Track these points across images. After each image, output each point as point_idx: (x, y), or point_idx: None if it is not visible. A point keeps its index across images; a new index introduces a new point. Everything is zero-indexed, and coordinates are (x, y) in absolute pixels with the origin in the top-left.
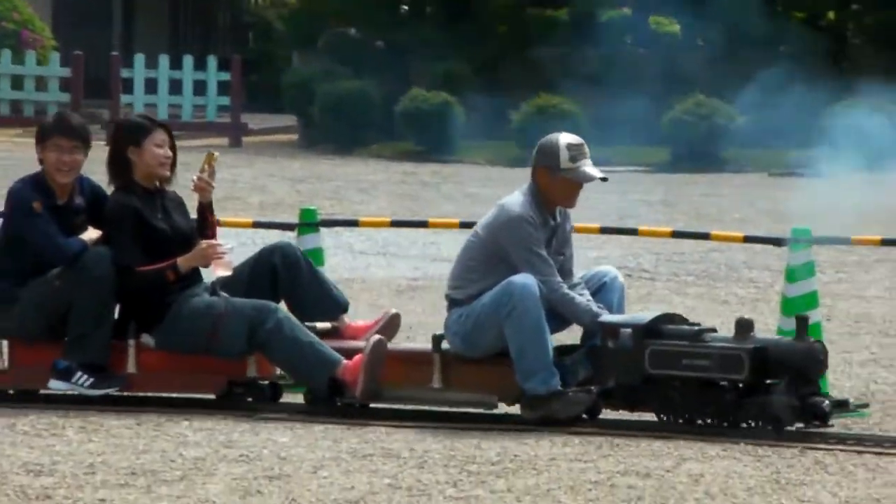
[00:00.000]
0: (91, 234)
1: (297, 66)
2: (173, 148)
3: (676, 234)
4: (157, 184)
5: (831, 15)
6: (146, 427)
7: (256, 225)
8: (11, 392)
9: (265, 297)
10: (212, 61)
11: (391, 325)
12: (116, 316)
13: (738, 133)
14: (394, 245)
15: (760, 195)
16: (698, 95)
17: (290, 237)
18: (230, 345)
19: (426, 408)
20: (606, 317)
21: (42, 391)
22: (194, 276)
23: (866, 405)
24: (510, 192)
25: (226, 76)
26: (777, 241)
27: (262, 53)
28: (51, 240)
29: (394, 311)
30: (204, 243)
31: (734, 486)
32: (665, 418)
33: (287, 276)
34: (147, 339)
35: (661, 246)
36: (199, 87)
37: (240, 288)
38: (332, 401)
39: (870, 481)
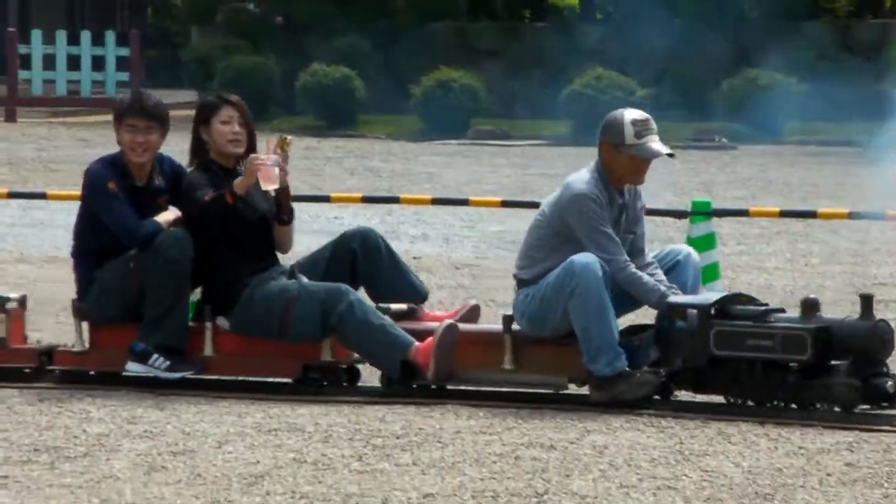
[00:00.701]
0: (168, 215)
1: (196, 41)
2: (247, 125)
3: None
4: (237, 162)
5: None
6: (49, 403)
7: None
8: (92, 373)
9: (343, 282)
10: (110, 36)
11: (471, 315)
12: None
13: (637, 106)
14: (297, 220)
15: (663, 168)
16: (598, 69)
17: None
18: (302, 328)
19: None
20: (674, 297)
21: (123, 373)
22: (271, 259)
23: None
24: (411, 165)
25: (125, 52)
26: (678, 214)
27: (161, 28)
28: (123, 220)
29: (474, 301)
30: (251, 156)
31: (638, 458)
32: (732, 400)
33: (366, 261)
34: (223, 322)
35: None
36: (98, 63)
37: (318, 272)
38: (406, 383)
39: (772, 451)
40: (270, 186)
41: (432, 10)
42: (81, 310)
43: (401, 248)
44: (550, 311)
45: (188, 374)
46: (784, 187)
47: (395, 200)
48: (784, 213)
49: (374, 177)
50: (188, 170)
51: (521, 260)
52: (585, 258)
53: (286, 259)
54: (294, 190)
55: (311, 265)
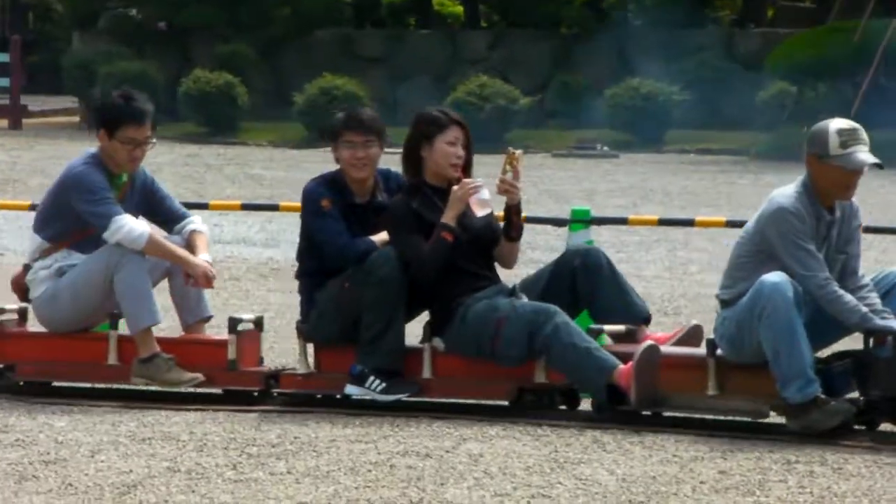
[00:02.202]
0: (385, 234)
1: (78, 46)
2: (468, 147)
3: None
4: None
5: None
6: None
7: (33, 208)
8: (319, 396)
9: (563, 301)
10: None
11: (693, 336)
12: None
13: (520, 114)
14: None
15: (543, 175)
16: (482, 77)
17: None
18: (510, 350)
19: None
20: (877, 321)
21: (338, 396)
22: (489, 277)
23: None
24: (293, 172)
25: (5, 57)
26: (557, 222)
27: (42, 34)
28: (335, 239)
29: (695, 322)
30: (455, 187)
31: (513, 465)
32: None
33: (587, 281)
34: (438, 343)
35: None
36: None
37: (538, 291)
38: (611, 408)
39: (646, 458)
40: (483, 212)
41: (317, 18)
42: (303, 331)
43: (281, 255)
44: (747, 333)
45: (404, 397)
46: (664, 195)
47: (274, 208)
48: (663, 222)
49: (256, 184)
50: (394, 198)
51: (724, 279)
52: (775, 277)
53: (506, 277)
54: (176, 197)
55: (533, 283)
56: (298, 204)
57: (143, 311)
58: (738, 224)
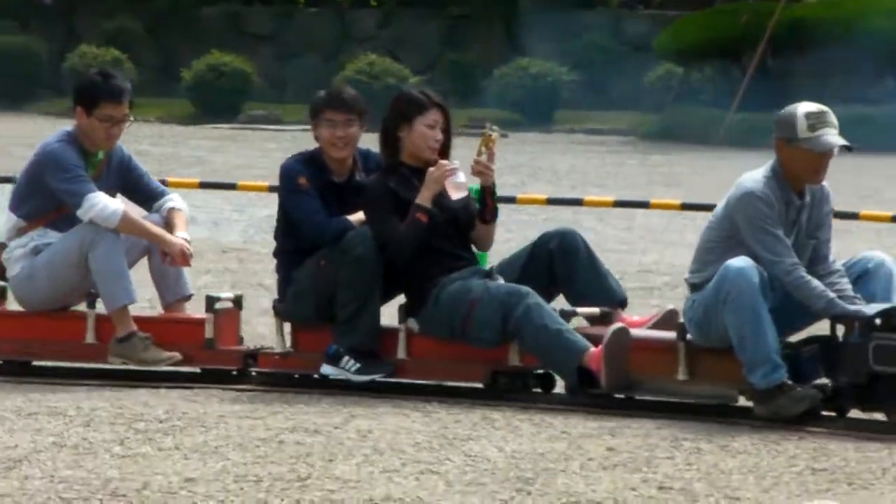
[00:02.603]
0: (362, 214)
1: None
2: (447, 130)
3: None
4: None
5: None
6: None
7: None
8: (297, 376)
9: (540, 283)
10: None
11: (668, 320)
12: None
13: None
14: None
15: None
16: (371, 55)
17: None
18: (482, 332)
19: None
20: (842, 307)
21: (315, 376)
22: (465, 258)
23: None
24: (181, 149)
25: None
26: None
27: None
28: (310, 217)
29: (671, 306)
30: (431, 169)
31: (402, 442)
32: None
33: (564, 263)
34: (413, 323)
35: None
36: None
37: (515, 273)
38: (582, 391)
39: (535, 435)
40: (458, 195)
41: None
42: (280, 310)
43: None
44: (713, 318)
45: (378, 377)
46: (553, 175)
47: (162, 184)
48: (551, 201)
49: (144, 160)
50: (371, 177)
51: (692, 263)
52: (740, 262)
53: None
54: None
55: (510, 265)
56: (186, 179)
57: (119, 289)
58: (625, 204)
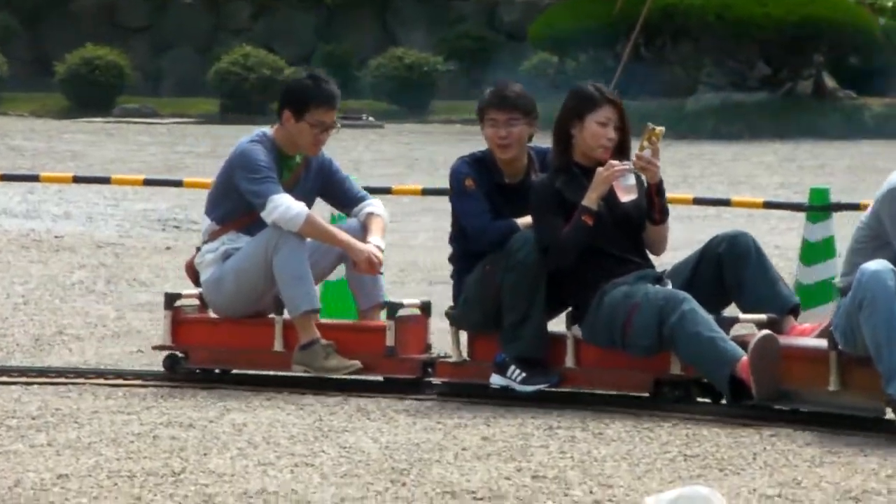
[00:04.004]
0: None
1: None
2: (622, 128)
3: None
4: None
5: None
6: None
7: None
8: (471, 385)
9: (708, 288)
10: None
11: None
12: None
13: (285, 84)
14: None
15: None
16: (246, 47)
17: None
18: (640, 339)
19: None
20: None
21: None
22: (635, 262)
23: None
24: (55, 143)
25: None
26: None
27: None
28: (474, 220)
29: None
30: (599, 169)
31: (277, 435)
32: None
33: (732, 268)
34: (576, 330)
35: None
36: None
37: (683, 278)
38: (737, 400)
39: (410, 426)
40: (627, 198)
41: None
42: (452, 317)
43: (42, 226)
44: (855, 325)
45: (543, 387)
46: (430, 165)
47: (34, 179)
48: (426, 192)
49: (17, 155)
50: (538, 178)
51: (843, 266)
52: (875, 265)
53: (658, 262)
54: None
55: (680, 270)
56: (60, 174)
57: (301, 295)
58: None
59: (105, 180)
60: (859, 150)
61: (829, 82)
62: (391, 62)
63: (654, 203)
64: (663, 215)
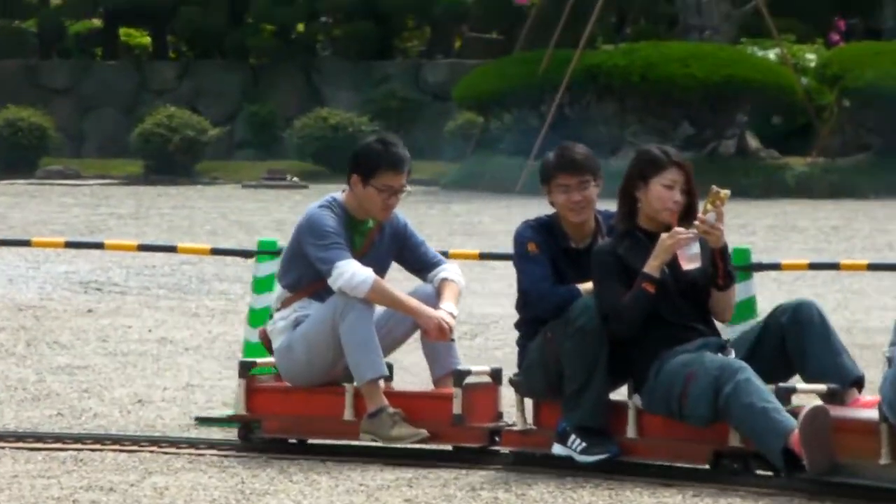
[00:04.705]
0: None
1: None
2: (689, 191)
3: (143, 248)
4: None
5: (301, 27)
6: None
7: None
8: (536, 454)
9: (768, 357)
10: None
11: None
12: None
13: (209, 144)
14: None
15: (233, 206)
16: (170, 108)
17: None
18: (695, 409)
19: None
20: None
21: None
22: (697, 329)
23: None
24: None
25: None
26: (245, 253)
27: None
28: (535, 285)
29: None
30: (664, 236)
31: (199, 498)
32: None
33: (795, 337)
34: (637, 399)
35: (130, 260)
36: None
37: (745, 349)
38: (792, 473)
39: (332, 488)
40: (690, 266)
41: (1, 48)
42: (516, 384)
43: None
44: None
45: (603, 458)
46: None
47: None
48: None
49: None
50: (601, 242)
51: (891, 334)
52: None
53: (724, 330)
54: None
55: (741, 340)
56: None
57: (366, 362)
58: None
59: (25, 242)
60: (782, 210)
61: (753, 142)
62: (316, 122)
63: (718, 268)
64: (728, 280)
